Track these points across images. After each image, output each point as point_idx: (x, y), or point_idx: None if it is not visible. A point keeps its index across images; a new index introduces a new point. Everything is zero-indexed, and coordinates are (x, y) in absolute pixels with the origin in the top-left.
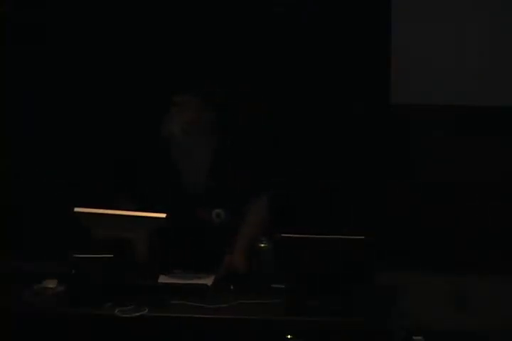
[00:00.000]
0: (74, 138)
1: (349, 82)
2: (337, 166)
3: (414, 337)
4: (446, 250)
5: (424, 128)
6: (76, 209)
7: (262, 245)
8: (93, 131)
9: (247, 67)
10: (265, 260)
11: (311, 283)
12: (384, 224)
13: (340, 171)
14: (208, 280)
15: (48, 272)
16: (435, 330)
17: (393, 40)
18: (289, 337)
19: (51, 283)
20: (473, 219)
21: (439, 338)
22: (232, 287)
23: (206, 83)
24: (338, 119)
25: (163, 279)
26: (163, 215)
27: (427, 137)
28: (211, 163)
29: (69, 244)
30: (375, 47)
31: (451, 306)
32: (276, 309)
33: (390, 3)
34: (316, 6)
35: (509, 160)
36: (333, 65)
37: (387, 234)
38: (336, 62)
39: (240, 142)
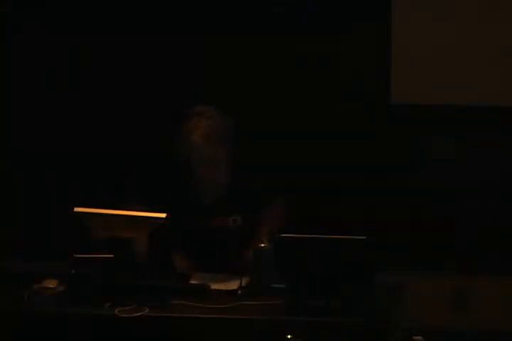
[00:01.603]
0: (74, 138)
1: (349, 82)
2: (337, 166)
3: (414, 337)
4: (446, 250)
5: (424, 128)
6: (76, 209)
7: (262, 245)
8: (93, 132)
9: (247, 67)
10: (265, 260)
11: (311, 283)
12: (384, 224)
13: (340, 171)
14: (235, 284)
15: (48, 272)
16: (435, 330)
17: (393, 40)
18: (289, 337)
19: (51, 283)
20: (473, 219)
21: (439, 338)
22: (239, 291)
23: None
24: (338, 119)
25: (194, 280)
26: (163, 215)
27: (427, 137)
28: (228, 169)
29: (69, 244)
30: (375, 47)
31: (451, 306)
32: (276, 309)
33: (390, 3)
34: (316, 6)
35: (509, 160)
36: (333, 64)
37: (387, 234)
38: (335, 62)
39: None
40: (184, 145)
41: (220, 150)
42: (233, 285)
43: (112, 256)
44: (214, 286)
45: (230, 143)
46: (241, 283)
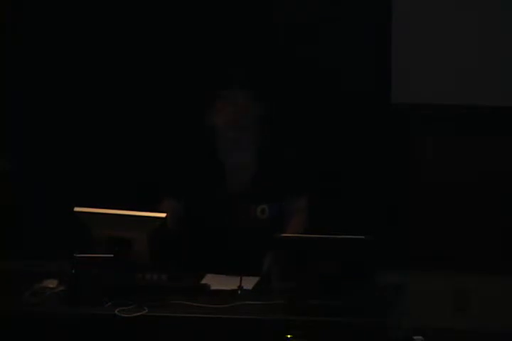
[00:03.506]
0: (74, 138)
1: (349, 82)
2: (336, 166)
3: (414, 337)
4: (446, 250)
5: (424, 128)
6: (76, 209)
7: None
8: (93, 132)
9: (247, 66)
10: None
11: (311, 283)
12: (384, 224)
13: (340, 171)
14: (250, 284)
15: (48, 272)
16: (435, 330)
17: (393, 40)
18: (289, 336)
19: (51, 283)
20: (473, 219)
21: (439, 338)
22: (239, 292)
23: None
24: (338, 119)
25: (206, 280)
26: (163, 215)
27: (427, 137)
28: (256, 158)
29: (69, 243)
30: (375, 47)
31: (451, 306)
32: (276, 309)
33: (390, 3)
34: (316, 6)
35: (509, 160)
36: (333, 64)
37: (387, 234)
38: (336, 62)
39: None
40: (209, 129)
41: (245, 134)
42: (233, 285)
43: (112, 256)
44: (214, 286)
45: (257, 128)
46: (241, 283)
